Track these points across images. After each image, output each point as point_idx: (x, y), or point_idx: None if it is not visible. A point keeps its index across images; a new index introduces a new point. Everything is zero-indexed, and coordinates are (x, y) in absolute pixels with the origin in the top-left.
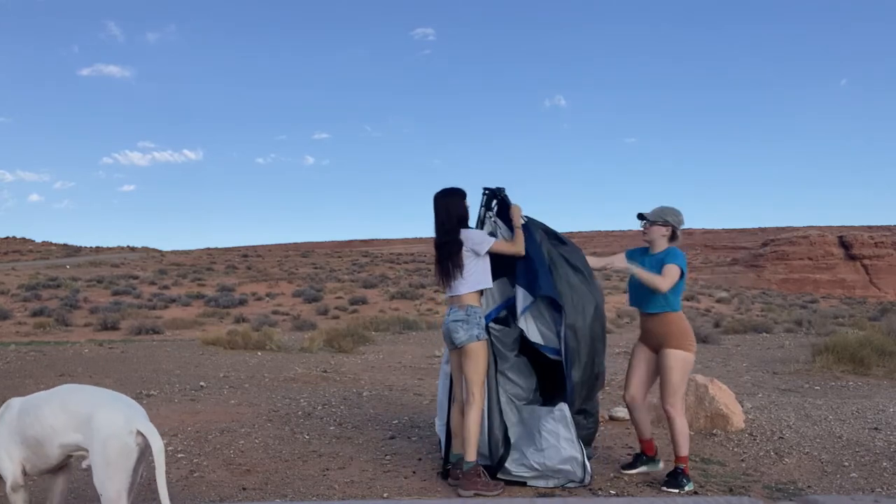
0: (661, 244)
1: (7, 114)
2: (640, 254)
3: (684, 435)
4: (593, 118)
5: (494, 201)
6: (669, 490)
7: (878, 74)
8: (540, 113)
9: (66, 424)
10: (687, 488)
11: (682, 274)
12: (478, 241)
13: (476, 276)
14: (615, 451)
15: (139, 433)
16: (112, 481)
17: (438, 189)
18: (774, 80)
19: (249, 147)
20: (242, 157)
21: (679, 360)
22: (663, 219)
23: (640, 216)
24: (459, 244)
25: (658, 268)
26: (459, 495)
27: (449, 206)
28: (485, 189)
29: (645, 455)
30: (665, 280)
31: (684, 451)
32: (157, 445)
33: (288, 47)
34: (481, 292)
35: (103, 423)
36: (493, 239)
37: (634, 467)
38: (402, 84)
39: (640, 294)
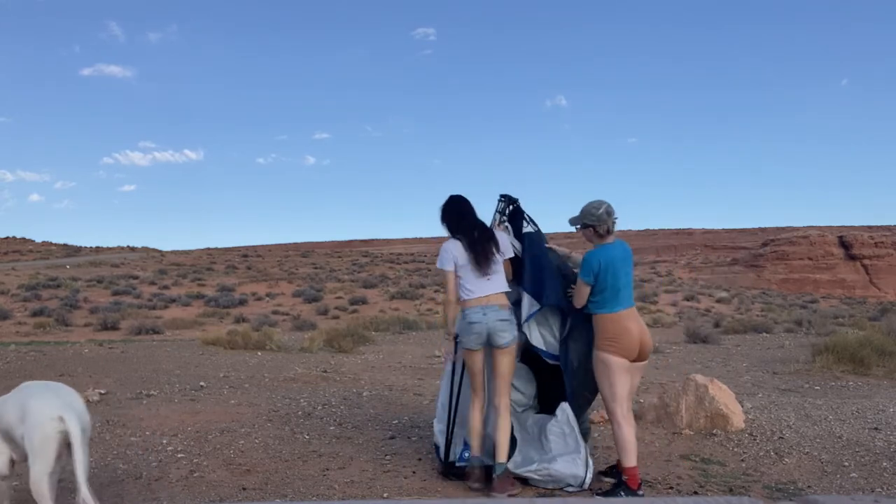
0: (594, 244)
1: (7, 114)
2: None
3: (622, 445)
4: (594, 118)
5: (509, 208)
6: (598, 496)
7: (878, 74)
8: (540, 113)
9: (17, 417)
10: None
11: (594, 281)
12: (504, 247)
13: (504, 278)
14: (615, 451)
15: (61, 419)
16: (35, 466)
17: (437, 188)
18: (774, 80)
19: (250, 147)
20: (243, 157)
21: (597, 361)
22: (581, 222)
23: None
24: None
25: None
26: (493, 497)
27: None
28: (501, 195)
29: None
30: (575, 297)
31: (626, 461)
32: (75, 431)
33: (288, 47)
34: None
35: (30, 411)
36: (509, 255)
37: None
38: (402, 84)
39: None
